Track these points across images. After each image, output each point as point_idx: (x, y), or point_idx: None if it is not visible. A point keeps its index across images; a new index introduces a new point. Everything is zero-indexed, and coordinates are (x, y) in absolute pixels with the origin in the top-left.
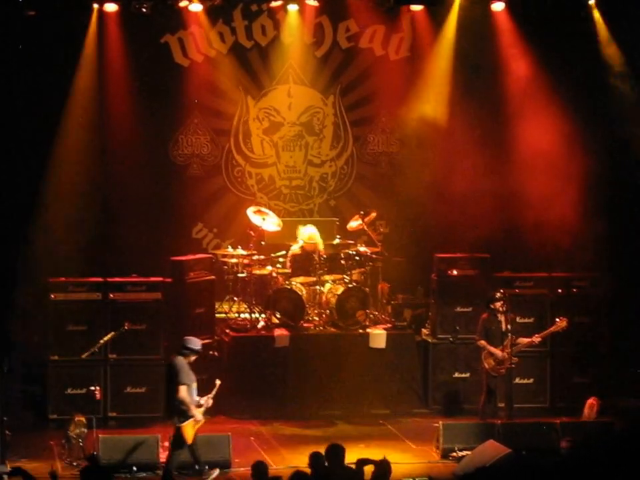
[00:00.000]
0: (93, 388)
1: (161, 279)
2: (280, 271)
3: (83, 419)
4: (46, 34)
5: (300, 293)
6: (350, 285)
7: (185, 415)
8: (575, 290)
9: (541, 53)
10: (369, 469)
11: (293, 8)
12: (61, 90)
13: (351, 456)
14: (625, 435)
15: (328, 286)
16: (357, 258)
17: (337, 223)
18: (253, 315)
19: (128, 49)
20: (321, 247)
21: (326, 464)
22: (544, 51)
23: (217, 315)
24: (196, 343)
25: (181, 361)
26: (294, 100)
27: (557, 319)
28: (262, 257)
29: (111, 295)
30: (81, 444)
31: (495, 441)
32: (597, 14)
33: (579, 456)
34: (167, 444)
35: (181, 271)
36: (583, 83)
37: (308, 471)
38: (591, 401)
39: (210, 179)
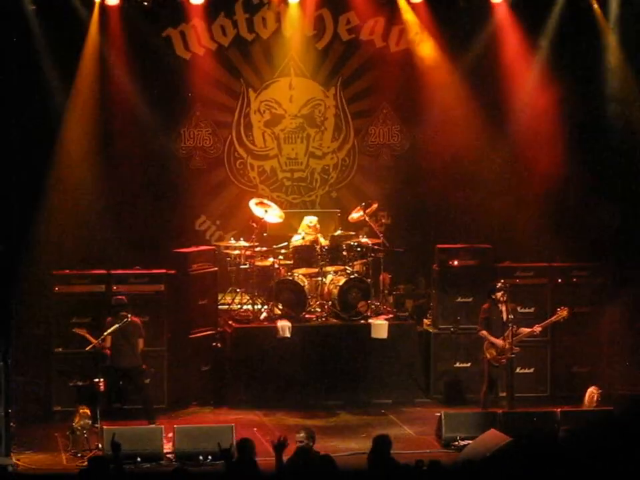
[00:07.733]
0: (96, 380)
1: (164, 270)
2: (282, 262)
3: (87, 411)
4: (48, 28)
5: (302, 284)
6: (352, 276)
7: None
8: (575, 279)
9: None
10: None
11: (293, 0)
12: (64, 84)
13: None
14: (624, 423)
15: (330, 277)
16: (359, 249)
17: (339, 214)
18: (256, 306)
19: (130, 42)
20: (321, 237)
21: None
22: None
23: (220, 307)
24: None
25: None
26: (295, 92)
27: (558, 309)
28: (264, 248)
29: (115, 287)
30: (85, 435)
31: (496, 430)
32: (595, 4)
33: (578, 444)
34: (170, 435)
35: (184, 263)
36: (582, 70)
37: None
38: (591, 389)
39: (212, 172)
